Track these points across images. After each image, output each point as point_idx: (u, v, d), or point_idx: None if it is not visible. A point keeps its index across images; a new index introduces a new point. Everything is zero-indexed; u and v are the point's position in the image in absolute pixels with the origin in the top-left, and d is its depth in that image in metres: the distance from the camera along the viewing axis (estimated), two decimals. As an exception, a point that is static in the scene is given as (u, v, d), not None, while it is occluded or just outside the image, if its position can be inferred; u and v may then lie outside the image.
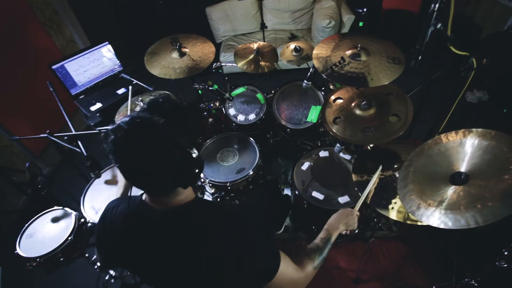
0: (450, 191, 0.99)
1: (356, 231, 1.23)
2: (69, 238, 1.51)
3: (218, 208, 0.86)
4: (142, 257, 0.85)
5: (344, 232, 1.14)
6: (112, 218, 0.87)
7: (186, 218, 0.80)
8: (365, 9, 2.24)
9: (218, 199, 1.92)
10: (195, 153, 0.76)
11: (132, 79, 2.18)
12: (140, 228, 0.82)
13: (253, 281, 0.82)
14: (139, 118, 0.69)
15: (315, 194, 1.68)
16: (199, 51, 2.04)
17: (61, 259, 1.52)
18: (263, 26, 2.80)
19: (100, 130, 1.69)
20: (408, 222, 1.28)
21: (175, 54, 2.00)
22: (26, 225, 1.59)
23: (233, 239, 0.78)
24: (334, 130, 1.57)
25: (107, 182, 1.79)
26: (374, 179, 1.37)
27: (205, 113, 2.36)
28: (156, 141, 0.69)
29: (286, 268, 0.85)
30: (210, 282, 0.80)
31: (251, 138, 2.01)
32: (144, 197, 0.84)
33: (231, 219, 0.83)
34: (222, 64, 2.27)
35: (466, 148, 1.02)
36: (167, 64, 1.95)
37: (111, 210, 0.89)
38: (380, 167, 1.40)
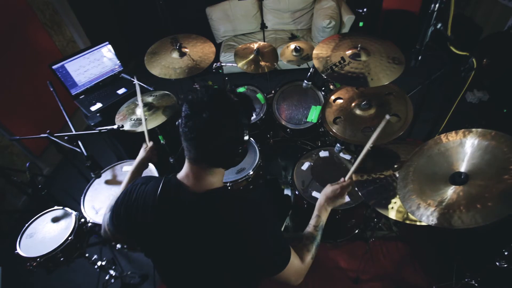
0: (450, 191, 0.99)
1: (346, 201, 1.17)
2: (69, 238, 1.51)
3: (246, 197, 0.89)
4: (166, 234, 0.87)
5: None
6: (141, 194, 0.89)
7: (216, 202, 0.84)
8: (365, 9, 2.24)
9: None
10: (246, 137, 0.84)
11: (132, 79, 2.18)
12: (173, 205, 0.85)
13: (265, 271, 0.86)
14: (219, 91, 0.81)
15: (315, 194, 1.68)
16: (199, 51, 2.04)
17: (61, 259, 1.52)
18: (263, 26, 2.80)
19: (100, 130, 1.70)
20: (407, 221, 1.28)
21: (175, 54, 2.00)
22: (26, 225, 1.59)
23: (257, 227, 0.82)
24: (334, 130, 1.57)
25: (107, 182, 1.79)
26: (379, 129, 1.14)
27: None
28: (228, 111, 0.79)
29: (293, 261, 0.88)
30: (223, 269, 0.84)
31: (251, 138, 2.01)
32: (179, 175, 0.88)
33: (256, 208, 0.87)
34: (222, 64, 2.27)
35: (466, 148, 1.02)
36: (167, 64, 1.95)
37: (139, 186, 0.92)
38: (387, 116, 1.13)
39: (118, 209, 0.93)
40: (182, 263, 0.90)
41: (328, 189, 1.15)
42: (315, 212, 1.11)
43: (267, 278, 0.89)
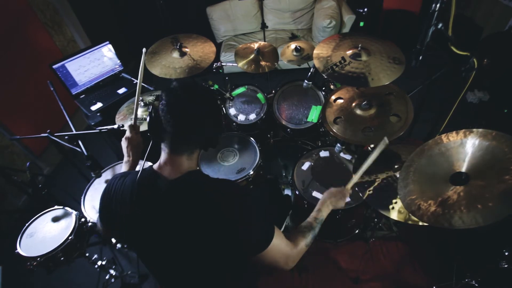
0: (451, 191, 0.99)
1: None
2: (70, 237, 1.51)
3: (222, 181, 0.92)
4: (147, 224, 0.88)
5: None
6: (120, 187, 0.91)
7: (192, 185, 0.86)
8: (365, 9, 2.24)
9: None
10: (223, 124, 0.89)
11: (132, 78, 2.18)
12: (149, 195, 0.87)
13: (247, 249, 0.87)
14: (195, 82, 0.89)
15: (315, 194, 1.68)
16: (200, 51, 2.04)
17: (62, 258, 1.52)
18: (263, 26, 2.80)
19: (100, 129, 1.70)
20: (410, 222, 1.28)
21: (175, 54, 2.00)
22: (27, 224, 1.59)
23: (232, 206, 0.84)
24: (334, 130, 1.57)
25: (107, 182, 1.79)
26: (376, 154, 1.19)
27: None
28: (207, 98, 0.85)
29: (279, 242, 0.90)
30: (206, 248, 0.85)
31: (251, 138, 2.01)
32: (155, 166, 0.90)
33: (232, 189, 0.90)
34: (222, 64, 2.27)
35: (466, 148, 1.02)
36: (167, 64, 1.95)
37: (117, 179, 0.94)
38: (385, 139, 1.16)
39: (101, 205, 0.95)
40: (164, 250, 0.91)
41: (333, 189, 1.22)
42: (318, 207, 1.15)
43: (259, 268, 0.90)
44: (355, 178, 1.26)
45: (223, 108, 2.22)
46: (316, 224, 1.08)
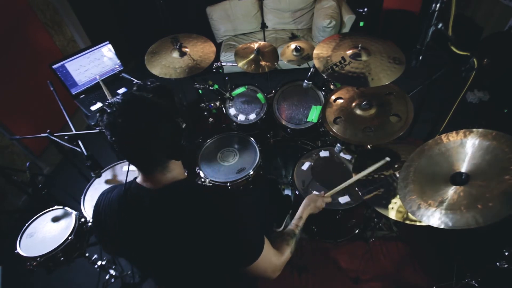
0: (451, 192, 0.99)
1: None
2: (70, 237, 1.51)
3: (209, 188, 0.89)
4: (135, 237, 0.87)
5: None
6: (107, 203, 0.90)
7: (177, 195, 0.83)
8: (365, 9, 2.24)
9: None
10: (183, 124, 0.80)
11: (132, 78, 2.18)
12: (134, 208, 0.85)
13: (237, 261, 0.85)
14: (130, 95, 0.77)
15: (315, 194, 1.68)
16: (200, 50, 2.04)
17: (62, 258, 1.51)
18: (263, 26, 2.80)
19: (100, 129, 1.69)
20: (407, 222, 1.28)
21: (175, 54, 2.00)
22: (27, 224, 1.59)
23: (222, 217, 0.81)
24: (334, 130, 1.57)
25: (107, 182, 1.79)
26: (371, 169, 1.37)
27: (206, 113, 2.35)
28: (146, 112, 0.74)
29: (268, 252, 0.90)
30: (196, 259, 0.84)
31: (251, 138, 2.01)
32: (138, 179, 0.87)
33: (222, 199, 0.87)
34: (222, 63, 2.27)
35: (466, 148, 1.02)
36: (167, 64, 1.95)
37: (105, 195, 0.92)
38: (387, 159, 1.39)
39: (93, 221, 0.95)
40: (155, 261, 0.91)
41: (314, 195, 1.27)
42: (299, 214, 1.18)
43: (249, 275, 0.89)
44: (339, 188, 1.34)
45: (223, 108, 2.22)
46: (298, 230, 1.11)
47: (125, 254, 0.98)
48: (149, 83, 0.81)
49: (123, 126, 0.72)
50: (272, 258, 0.92)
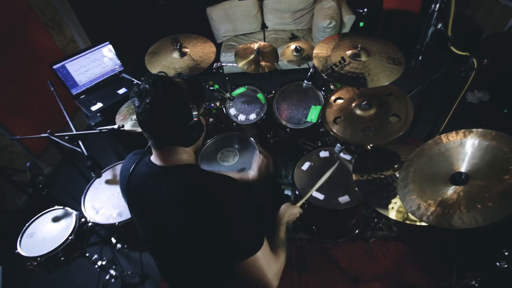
0: (451, 191, 0.99)
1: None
2: (70, 237, 1.51)
3: (212, 176, 0.92)
4: (139, 210, 0.95)
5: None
6: (127, 164, 1.00)
7: (182, 175, 0.88)
8: (365, 9, 2.24)
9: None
10: (194, 112, 0.87)
11: (132, 78, 2.18)
12: (141, 178, 0.92)
13: (231, 251, 0.85)
14: (164, 76, 0.88)
15: (315, 194, 1.68)
16: (200, 51, 2.04)
17: (62, 258, 1.52)
18: (263, 26, 2.80)
19: (100, 129, 1.70)
20: (407, 222, 1.28)
21: (175, 54, 2.00)
22: (27, 224, 1.59)
23: (217, 206, 0.83)
24: (334, 130, 1.57)
25: (107, 182, 1.79)
26: (327, 175, 1.37)
27: (206, 113, 2.36)
28: (174, 94, 0.84)
29: (267, 253, 0.90)
30: (193, 243, 0.86)
31: (251, 138, 2.01)
32: (151, 157, 0.94)
33: (226, 186, 0.89)
34: (222, 64, 2.27)
35: (466, 148, 1.02)
36: (167, 64, 1.95)
37: (130, 156, 1.03)
38: (336, 164, 1.42)
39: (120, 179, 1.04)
40: (155, 239, 0.96)
41: (285, 205, 1.25)
42: (282, 222, 1.16)
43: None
44: (305, 197, 1.35)
45: (224, 108, 2.23)
46: (284, 237, 1.09)
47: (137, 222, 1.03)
48: (184, 76, 0.94)
49: (149, 95, 0.82)
50: (270, 259, 0.91)
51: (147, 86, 0.83)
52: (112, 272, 1.84)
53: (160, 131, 0.86)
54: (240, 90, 2.27)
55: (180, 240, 0.88)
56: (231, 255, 0.86)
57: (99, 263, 1.77)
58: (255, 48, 2.21)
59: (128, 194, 0.96)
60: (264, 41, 2.54)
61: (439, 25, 1.27)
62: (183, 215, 0.84)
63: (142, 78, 0.86)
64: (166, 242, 0.93)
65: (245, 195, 0.92)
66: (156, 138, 0.88)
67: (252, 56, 2.19)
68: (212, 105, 2.26)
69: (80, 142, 1.61)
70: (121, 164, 1.86)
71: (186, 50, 2.03)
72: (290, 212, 1.22)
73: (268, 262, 0.89)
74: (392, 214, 1.32)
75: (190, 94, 0.87)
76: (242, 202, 0.88)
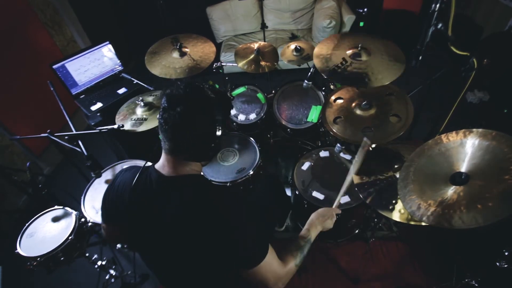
0: (451, 191, 0.99)
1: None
2: (70, 237, 1.51)
3: (221, 187, 0.91)
4: (140, 219, 0.91)
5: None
6: (123, 178, 0.95)
7: (183, 187, 0.87)
8: (365, 9, 2.24)
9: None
10: (218, 131, 0.86)
11: (132, 78, 2.18)
12: (145, 188, 0.89)
13: (234, 263, 0.86)
14: (201, 88, 0.85)
15: (315, 194, 1.68)
16: (200, 51, 2.04)
17: (62, 258, 1.52)
18: (263, 26, 2.79)
19: (100, 129, 1.69)
20: (412, 223, 1.28)
21: (175, 54, 2.00)
22: (27, 224, 1.59)
23: (227, 217, 0.83)
24: (334, 130, 1.57)
25: (107, 182, 1.79)
26: (360, 159, 1.30)
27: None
28: (204, 106, 0.83)
29: (272, 260, 0.89)
30: (191, 253, 0.86)
31: (251, 138, 2.01)
32: (156, 165, 0.92)
33: (225, 200, 0.88)
34: (222, 64, 2.27)
35: (466, 148, 1.02)
36: (167, 64, 1.95)
37: (123, 172, 0.97)
38: (365, 140, 1.29)
39: (104, 200, 0.98)
40: (156, 248, 0.93)
41: (321, 209, 1.21)
42: (306, 226, 1.13)
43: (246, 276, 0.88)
44: (339, 196, 1.30)
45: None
46: (305, 243, 1.06)
47: (129, 237, 1.01)
48: (212, 84, 0.92)
49: (181, 104, 0.80)
50: (275, 268, 0.90)
51: (181, 94, 0.81)
52: (112, 272, 1.83)
53: (183, 143, 0.85)
54: (240, 90, 2.27)
55: (185, 250, 0.87)
56: (235, 266, 0.87)
57: (99, 263, 1.77)
58: (255, 48, 2.21)
59: (130, 209, 0.92)
60: (264, 41, 2.54)
61: (439, 25, 1.27)
62: (190, 227, 0.83)
63: (178, 82, 0.85)
64: (170, 253, 0.91)
65: (250, 206, 0.91)
66: (175, 145, 0.86)
67: (252, 56, 2.19)
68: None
69: (80, 142, 1.61)
70: (121, 164, 1.87)
71: (186, 50, 2.03)
72: (322, 220, 1.16)
73: (273, 269, 0.89)
74: (395, 216, 1.31)
75: (219, 111, 0.86)
76: (248, 217, 0.87)
